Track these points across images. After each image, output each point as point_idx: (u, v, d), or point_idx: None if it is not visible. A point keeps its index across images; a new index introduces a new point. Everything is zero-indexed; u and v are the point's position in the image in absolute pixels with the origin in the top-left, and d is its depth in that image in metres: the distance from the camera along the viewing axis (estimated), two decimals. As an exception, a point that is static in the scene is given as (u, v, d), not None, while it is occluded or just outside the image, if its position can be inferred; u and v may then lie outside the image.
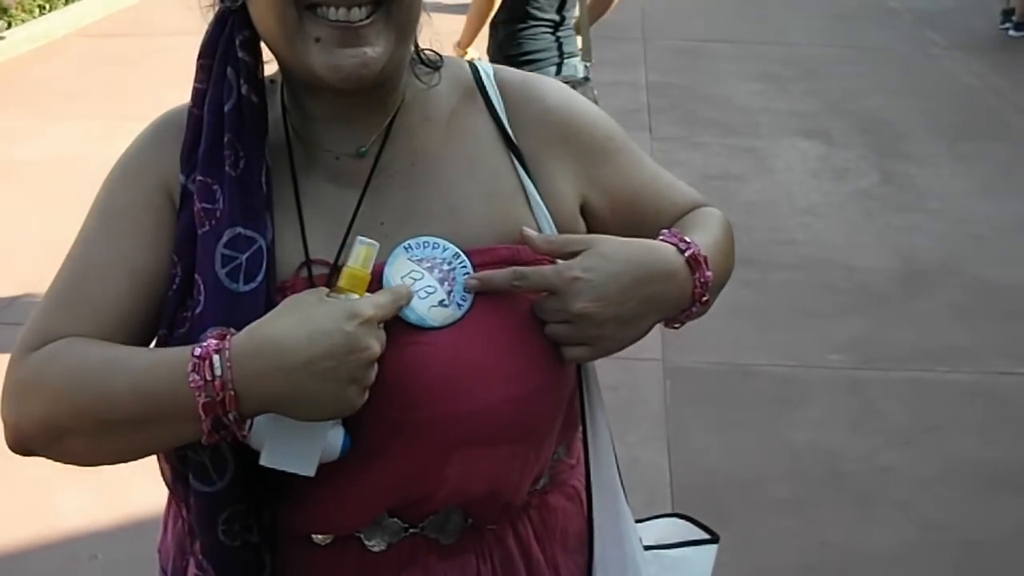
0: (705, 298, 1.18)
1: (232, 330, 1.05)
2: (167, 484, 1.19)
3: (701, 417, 3.85)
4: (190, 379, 1.00)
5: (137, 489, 3.41)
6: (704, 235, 1.22)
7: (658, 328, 1.21)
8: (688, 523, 1.49)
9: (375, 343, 1.02)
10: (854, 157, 6.61)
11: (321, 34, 1.09)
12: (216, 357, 1.00)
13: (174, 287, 1.13)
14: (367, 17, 1.09)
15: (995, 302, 4.76)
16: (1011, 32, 9.64)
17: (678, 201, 1.32)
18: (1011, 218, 5.69)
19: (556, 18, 3.99)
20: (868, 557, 3.18)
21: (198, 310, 1.10)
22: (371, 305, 1.03)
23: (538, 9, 3.96)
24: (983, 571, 3.15)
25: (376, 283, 1.10)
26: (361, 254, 1.06)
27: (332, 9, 1.08)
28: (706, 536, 1.47)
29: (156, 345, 1.14)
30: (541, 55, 3.97)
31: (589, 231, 1.25)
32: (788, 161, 6.49)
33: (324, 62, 1.09)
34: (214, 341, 1.02)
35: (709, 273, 1.17)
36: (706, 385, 4.07)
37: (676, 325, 1.21)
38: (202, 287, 1.10)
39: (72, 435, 1.07)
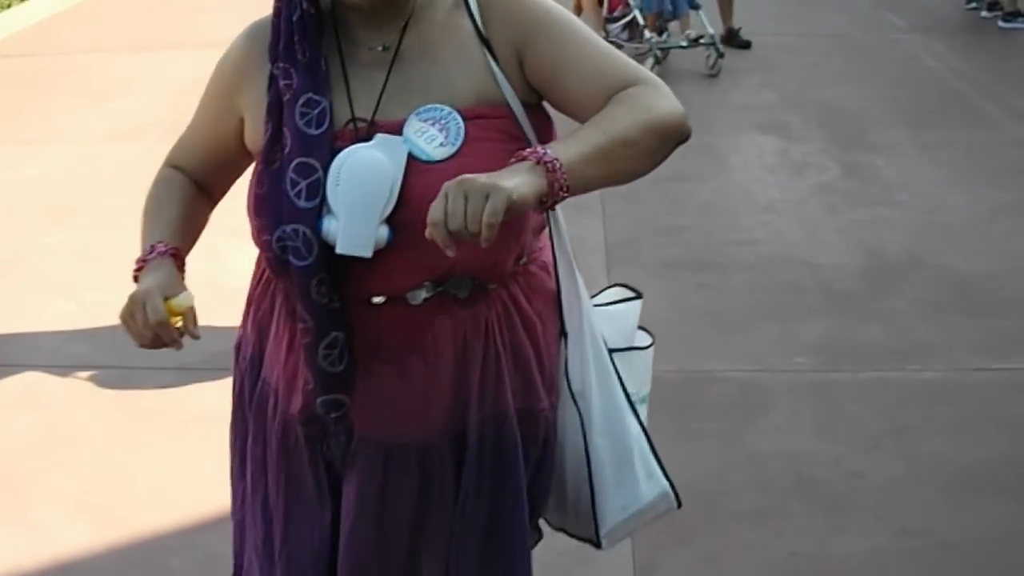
0: (563, 190, 1.62)
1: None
2: (271, 268, 1.86)
3: (660, 428, 3.82)
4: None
5: (63, 532, 3.44)
6: (578, 144, 1.67)
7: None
8: (624, 288, 2.15)
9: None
10: (814, 150, 6.74)
11: None
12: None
13: (267, 136, 1.80)
14: None
15: (967, 295, 4.86)
16: (1000, 23, 9.72)
17: (606, 71, 1.80)
18: (982, 207, 5.82)
19: None
20: (840, 567, 3.25)
21: (287, 150, 1.76)
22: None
23: None
24: (960, 575, 3.22)
25: (399, 135, 1.77)
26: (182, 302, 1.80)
27: None
28: (634, 295, 2.12)
29: (255, 172, 1.85)
30: None
31: (531, 83, 1.84)
32: (745, 158, 6.60)
33: None
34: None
35: (563, 174, 1.61)
36: (664, 394, 4.08)
37: (549, 205, 1.65)
38: (288, 136, 1.77)
39: None
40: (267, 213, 1.78)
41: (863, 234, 5.49)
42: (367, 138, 1.78)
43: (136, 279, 1.85)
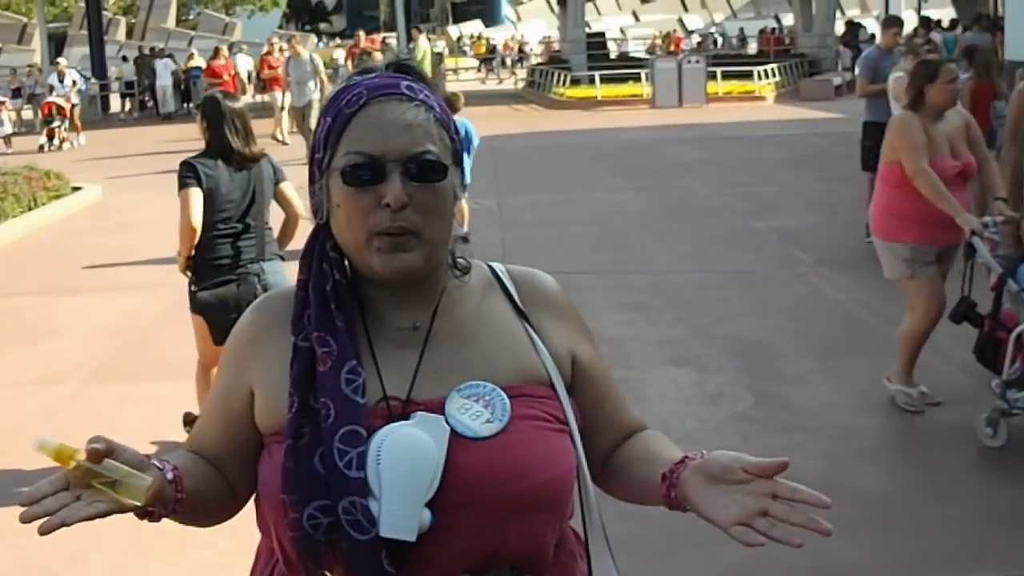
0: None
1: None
2: (299, 552, 1.72)
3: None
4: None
5: None
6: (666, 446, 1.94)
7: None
8: None
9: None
10: (728, 381, 6.96)
11: (381, 245, 1.75)
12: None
13: (292, 411, 1.74)
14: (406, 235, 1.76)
15: (882, 516, 5.01)
16: None
17: (630, 408, 2.04)
18: (890, 430, 6.04)
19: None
20: None
21: (330, 420, 1.71)
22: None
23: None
24: None
25: (440, 412, 1.75)
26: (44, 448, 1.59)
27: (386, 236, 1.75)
28: None
29: (284, 450, 1.73)
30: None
31: (573, 381, 1.91)
32: (662, 390, 6.80)
33: (382, 263, 1.76)
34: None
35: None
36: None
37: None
38: (331, 405, 1.72)
39: None
40: (297, 490, 1.70)
41: (778, 460, 5.64)
42: (402, 416, 1.74)
43: None
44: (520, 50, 54.40)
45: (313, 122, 18.80)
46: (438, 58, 30.09)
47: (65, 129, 23.75)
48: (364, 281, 1.83)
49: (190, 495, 1.76)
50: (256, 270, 5.65)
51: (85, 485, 1.60)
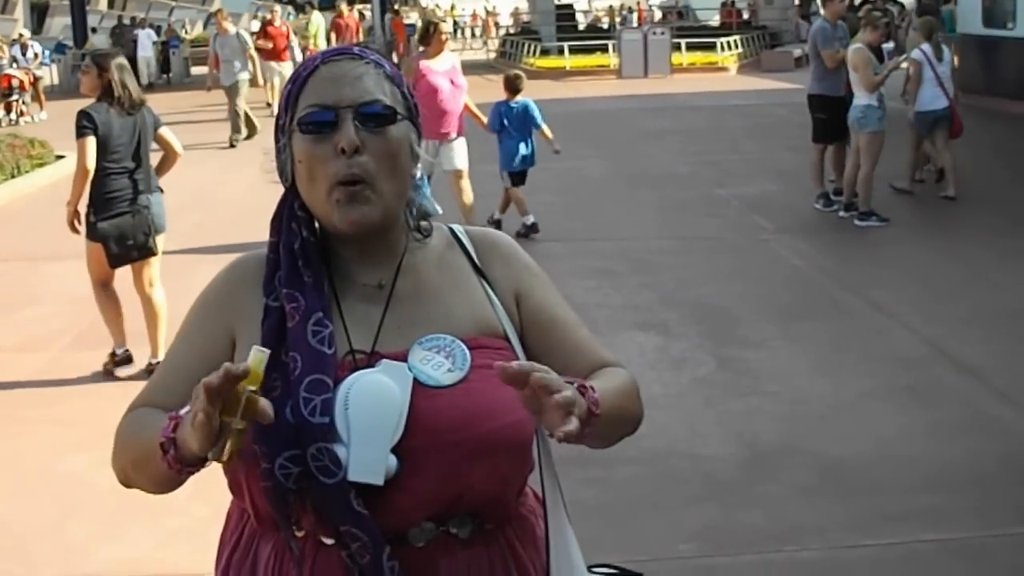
0: (596, 414, 1.67)
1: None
2: (272, 501, 1.72)
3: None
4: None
5: None
6: (603, 382, 1.80)
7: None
8: (614, 569, 2.11)
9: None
10: (691, 346, 6.94)
11: (340, 196, 1.78)
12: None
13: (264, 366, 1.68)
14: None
15: (838, 478, 5.01)
16: (856, 222, 10.08)
17: (596, 351, 1.97)
18: (847, 394, 6.03)
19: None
20: None
21: (296, 372, 1.73)
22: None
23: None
24: None
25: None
26: (254, 358, 1.56)
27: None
28: (636, 573, 2.09)
29: None
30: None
31: (523, 325, 1.93)
32: (627, 355, 6.76)
33: (341, 216, 1.78)
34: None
35: (595, 395, 1.69)
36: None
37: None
38: (298, 358, 1.74)
39: (126, 472, 1.85)
40: (268, 441, 1.69)
41: (739, 424, 5.65)
42: (368, 367, 1.77)
43: (174, 441, 1.65)
44: (487, 21, 54.15)
45: (241, 103, 17.67)
46: (410, 30, 29.64)
47: (25, 103, 22.66)
48: (331, 240, 1.86)
49: None
50: (145, 202, 6.46)
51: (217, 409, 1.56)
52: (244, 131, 16.86)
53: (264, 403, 1.56)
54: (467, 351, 1.81)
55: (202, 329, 1.90)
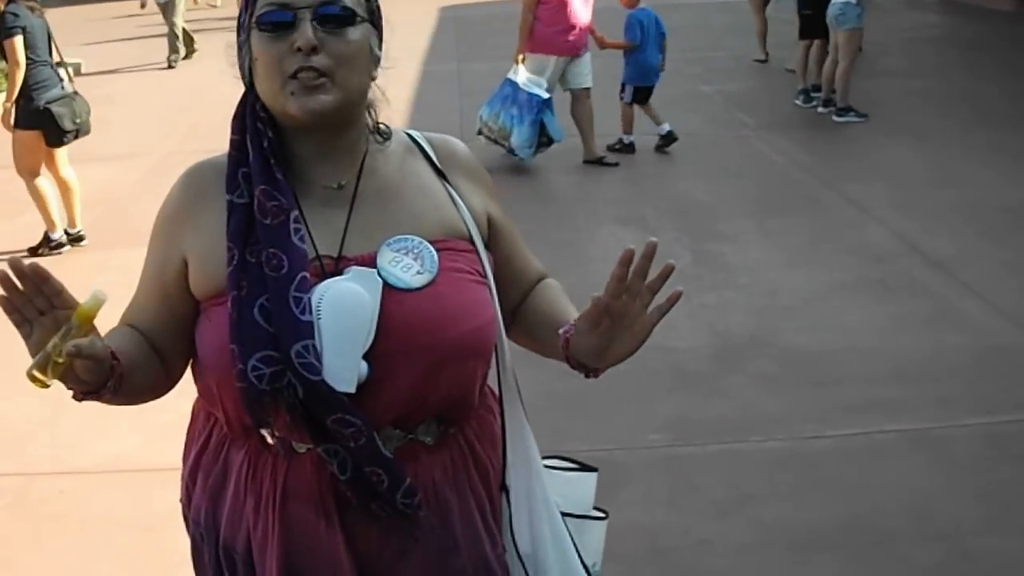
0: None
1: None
2: (247, 402, 1.67)
3: (526, 509, 3.95)
4: None
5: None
6: (566, 307, 1.94)
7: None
8: (569, 462, 2.10)
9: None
10: (668, 240, 6.89)
11: (295, 88, 1.69)
12: None
13: (232, 264, 1.69)
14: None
15: (804, 370, 5.02)
16: (834, 118, 10.00)
17: (534, 261, 2.05)
18: (818, 287, 6.02)
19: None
20: (690, 629, 3.32)
21: (284, 271, 1.67)
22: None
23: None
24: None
25: (372, 266, 1.72)
26: (93, 299, 1.55)
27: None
28: (591, 467, 2.11)
29: (231, 301, 1.67)
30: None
31: (490, 238, 1.92)
32: (605, 250, 6.73)
33: (297, 104, 1.70)
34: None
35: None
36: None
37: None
38: (284, 257, 1.67)
39: None
40: (242, 340, 1.65)
41: (711, 317, 5.64)
42: (335, 273, 1.71)
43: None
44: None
45: (178, 20, 16.90)
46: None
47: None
48: (288, 139, 1.78)
49: (126, 368, 1.68)
50: (70, 90, 7.09)
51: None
52: (182, 50, 15.25)
53: (87, 341, 1.54)
54: (435, 253, 1.75)
55: (158, 248, 1.83)
